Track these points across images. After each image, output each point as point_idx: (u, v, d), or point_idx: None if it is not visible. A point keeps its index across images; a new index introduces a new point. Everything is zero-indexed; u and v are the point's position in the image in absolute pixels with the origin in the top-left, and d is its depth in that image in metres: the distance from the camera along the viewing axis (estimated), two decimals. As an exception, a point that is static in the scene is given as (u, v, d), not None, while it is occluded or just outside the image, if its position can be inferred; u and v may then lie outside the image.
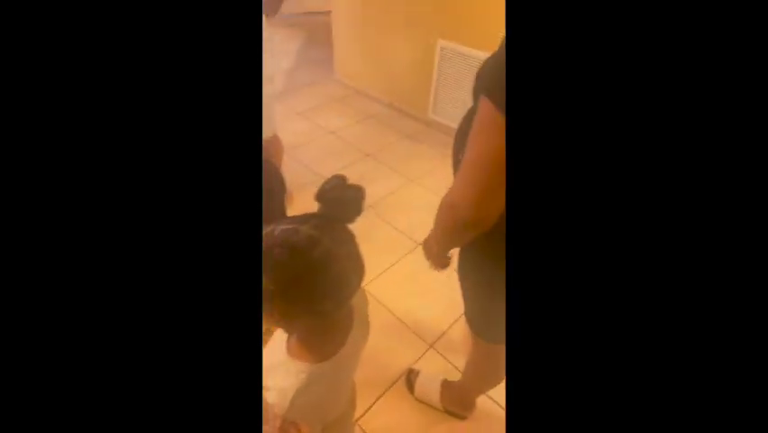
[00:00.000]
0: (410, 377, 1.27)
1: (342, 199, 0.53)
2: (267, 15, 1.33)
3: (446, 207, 0.59)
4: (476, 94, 0.55)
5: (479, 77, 0.56)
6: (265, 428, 0.53)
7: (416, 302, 1.50)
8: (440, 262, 0.82)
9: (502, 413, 1.23)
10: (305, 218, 0.51)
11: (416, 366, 1.32)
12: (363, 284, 0.55)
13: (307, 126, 2.52)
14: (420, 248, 0.87)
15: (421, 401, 1.23)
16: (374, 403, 1.23)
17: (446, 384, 1.22)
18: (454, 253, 0.79)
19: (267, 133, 1.51)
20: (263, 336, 0.45)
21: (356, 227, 0.55)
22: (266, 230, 0.49)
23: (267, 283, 0.45)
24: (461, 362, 1.31)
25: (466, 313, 0.90)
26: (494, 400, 1.24)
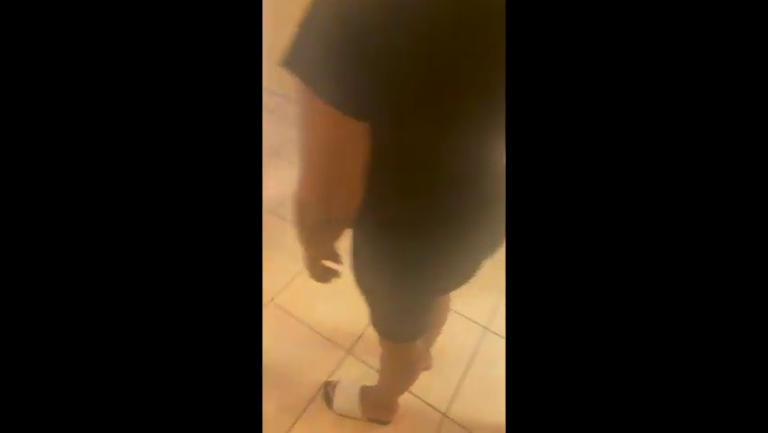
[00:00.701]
0: (327, 390, 1.19)
1: None
2: None
3: (297, 207, 0.52)
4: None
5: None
6: None
7: (329, 307, 1.42)
8: (316, 272, 0.73)
9: (426, 409, 1.20)
10: None
11: (334, 376, 1.24)
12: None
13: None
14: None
15: (341, 414, 1.16)
16: (291, 427, 1.14)
17: (365, 391, 1.16)
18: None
19: None
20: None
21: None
22: None
23: None
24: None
25: (370, 316, 0.83)
26: (415, 395, 1.21)
